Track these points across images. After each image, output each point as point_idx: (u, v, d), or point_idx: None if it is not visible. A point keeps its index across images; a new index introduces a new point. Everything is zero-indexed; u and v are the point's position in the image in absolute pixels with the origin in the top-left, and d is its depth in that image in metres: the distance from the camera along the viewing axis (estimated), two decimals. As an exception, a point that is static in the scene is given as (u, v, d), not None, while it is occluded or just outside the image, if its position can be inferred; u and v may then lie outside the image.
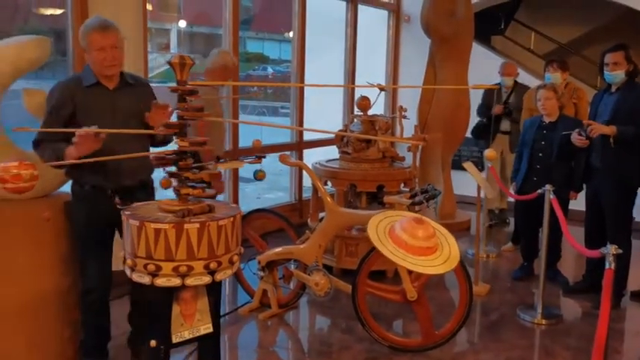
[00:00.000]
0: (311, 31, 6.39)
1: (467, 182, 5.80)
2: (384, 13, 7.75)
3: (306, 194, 6.15)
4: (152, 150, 2.85)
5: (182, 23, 24.40)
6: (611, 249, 2.44)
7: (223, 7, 5.38)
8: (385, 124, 4.75)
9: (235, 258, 2.25)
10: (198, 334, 2.27)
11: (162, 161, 2.24)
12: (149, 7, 4.52)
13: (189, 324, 2.24)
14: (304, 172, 4.17)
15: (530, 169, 4.52)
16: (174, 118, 2.33)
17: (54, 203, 2.98)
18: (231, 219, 2.17)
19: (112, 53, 2.68)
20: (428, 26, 6.17)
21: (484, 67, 6.24)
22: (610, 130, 3.87)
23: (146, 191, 2.83)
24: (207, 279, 2.13)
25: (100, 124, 2.62)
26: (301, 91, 6.28)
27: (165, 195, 2.47)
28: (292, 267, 3.89)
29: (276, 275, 3.94)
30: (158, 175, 2.57)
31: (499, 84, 5.90)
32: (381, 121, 4.73)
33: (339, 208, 3.71)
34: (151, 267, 2.07)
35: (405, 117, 5.04)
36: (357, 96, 4.97)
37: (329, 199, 3.67)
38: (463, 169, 4.77)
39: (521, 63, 7.74)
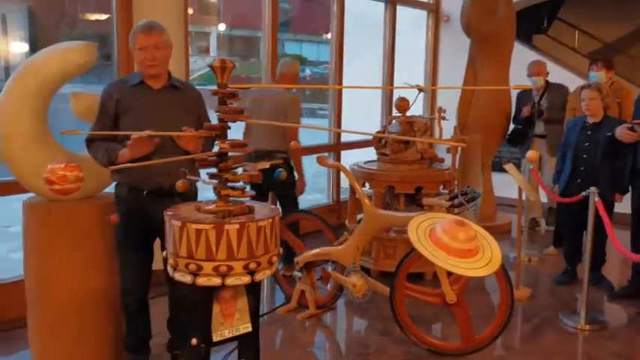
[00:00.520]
0: (349, 32, 6.40)
1: (508, 184, 5.70)
2: (423, 13, 7.70)
3: (344, 196, 6.16)
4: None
5: (221, 26, 24.74)
6: (658, 253, 2.37)
7: (262, 10, 5.44)
8: (424, 125, 4.72)
9: (274, 259, 2.26)
10: (237, 333, 2.30)
11: (205, 163, 2.28)
12: (190, 10, 4.61)
13: (229, 323, 2.27)
14: (342, 174, 4.17)
15: (574, 171, 4.42)
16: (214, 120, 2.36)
17: (99, 204, 3.07)
18: (270, 220, 2.19)
19: (153, 53, 2.73)
20: (468, 26, 6.10)
21: (526, 67, 6.11)
22: None
23: (184, 194, 2.85)
24: (246, 279, 2.16)
25: (140, 122, 2.69)
26: (339, 92, 6.29)
27: (209, 197, 2.51)
28: (330, 268, 3.89)
29: (314, 276, 3.96)
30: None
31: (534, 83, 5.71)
32: (420, 123, 4.70)
33: (376, 210, 3.70)
34: (193, 266, 2.11)
35: (444, 118, 5.00)
36: (395, 97, 4.95)
37: (366, 201, 3.66)
38: (504, 170, 4.70)
39: (565, 62, 7.57)
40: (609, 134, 4.14)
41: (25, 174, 2.97)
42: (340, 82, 6.28)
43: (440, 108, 5.13)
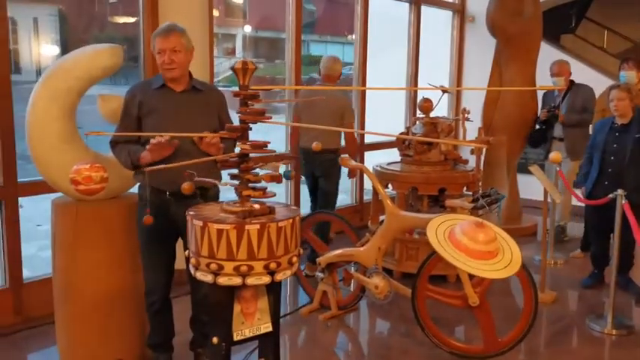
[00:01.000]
0: (374, 33, 6.39)
1: (534, 186, 5.63)
2: (448, 13, 7.65)
3: (367, 197, 6.15)
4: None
5: (247, 28, 24.90)
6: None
7: (286, 12, 5.47)
8: (448, 126, 4.69)
9: (294, 259, 2.28)
10: (258, 333, 2.32)
11: (227, 164, 2.31)
12: (216, 13, 4.66)
13: (250, 322, 2.29)
14: (365, 175, 4.18)
15: (602, 172, 4.35)
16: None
17: (125, 204, 3.13)
18: (291, 220, 2.21)
19: (171, 56, 2.74)
20: (494, 26, 6.04)
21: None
22: None
23: (206, 196, 2.86)
24: (266, 279, 2.17)
25: (162, 124, 2.73)
26: (363, 93, 6.29)
27: (230, 197, 2.53)
28: (352, 269, 3.90)
29: (336, 277, 3.97)
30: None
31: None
32: (444, 124, 4.67)
33: (399, 211, 3.69)
34: (214, 266, 2.14)
35: (467, 119, 4.96)
36: (419, 98, 4.94)
37: (389, 202, 3.66)
38: (529, 172, 4.64)
39: (593, 62, 7.44)
40: (638, 135, 4.06)
41: (53, 174, 3.04)
42: (364, 83, 6.28)
43: (464, 109, 5.09)
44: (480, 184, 5.01)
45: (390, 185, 4.73)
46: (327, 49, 27.19)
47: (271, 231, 2.14)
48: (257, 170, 2.26)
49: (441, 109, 6.21)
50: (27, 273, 3.90)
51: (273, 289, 2.33)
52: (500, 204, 3.67)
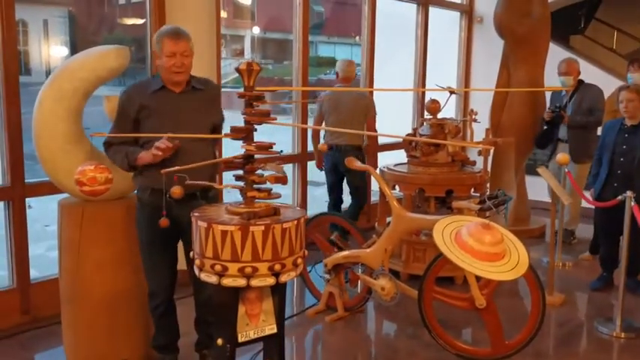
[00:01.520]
0: (381, 34, 6.38)
1: (542, 187, 5.60)
2: (456, 14, 7.62)
3: (374, 198, 6.13)
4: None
5: (256, 29, 24.95)
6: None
7: (294, 13, 5.47)
8: (455, 127, 4.67)
9: (299, 260, 2.27)
10: (263, 334, 2.32)
11: (231, 165, 2.31)
12: (224, 14, 4.67)
13: (255, 324, 2.29)
14: (372, 176, 4.18)
15: (611, 174, 4.31)
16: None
17: (131, 204, 3.13)
18: (295, 222, 2.20)
19: (182, 60, 2.74)
20: (501, 27, 6.01)
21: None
22: None
23: (207, 197, 2.83)
24: (271, 280, 2.17)
25: (163, 127, 2.69)
26: (370, 94, 6.26)
27: (234, 198, 2.53)
28: (359, 271, 3.89)
29: (343, 279, 3.96)
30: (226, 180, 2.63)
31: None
32: (451, 125, 4.65)
33: (406, 213, 3.67)
34: (218, 267, 2.14)
35: (475, 120, 4.93)
36: (427, 99, 4.92)
37: (396, 204, 3.64)
38: (537, 173, 4.61)
39: (603, 63, 7.39)
40: None
41: (59, 174, 3.06)
42: (371, 84, 6.26)
43: (471, 110, 5.06)
44: (488, 185, 4.98)
45: (396, 187, 4.72)
46: (335, 50, 27.20)
47: (276, 232, 2.14)
48: (261, 171, 2.25)
49: (449, 111, 6.18)
50: (35, 273, 3.92)
51: (278, 291, 2.33)
52: (508, 206, 3.65)
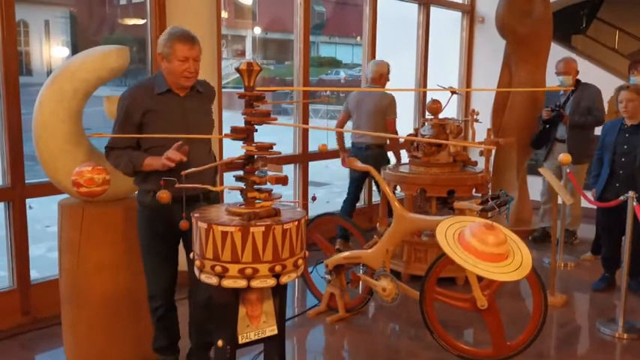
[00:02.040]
0: (382, 34, 6.37)
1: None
2: (457, 14, 7.61)
3: (376, 198, 6.12)
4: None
5: (257, 30, 24.96)
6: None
7: (295, 13, 5.46)
8: (456, 127, 4.65)
9: (300, 262, 2.26)
10: (263, 336, 2.31)
11: (232, 166, 2.30)
12: (224, 14, 4.67)
13: (255, 325, 2.28)
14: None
15: (612, 174, 4.29)
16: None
17: (131, 205, 3.12)
18: (296, 223, 2.19)
19: (194, 65, 2.70)
20: (503, 27, 6.00)
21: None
22: None
23: (209, 199, 2.81)
24: (271, 282, 2.16)
25: (170, 130, 2.65)
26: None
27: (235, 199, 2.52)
28: (360, 272, 3.88)
29: (344, 279, 3.95)
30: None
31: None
32: (452, 125, 4.63)
33: (407, 214, 3.66)
34: (218, 268, 2.13)
35: (477, 120, 4.92)
36: (428, 99, 4.91)
37: (397, 204, 3.63)
38: (539, 174, 4.59)
39: (605, 63, 7.37)
40: None
41: (59, 175, 3.05)
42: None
43: (473, 110, 5.04)
44: (490, 186, 4.97)
45: (398, 187, 4.70)
46: (336, 50, 27.19)
47: (276, 233, 2.13)
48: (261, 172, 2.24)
49: (450, 111, 6.18)
50: (36, 274, 3.92)
51: (279, 292, 2.32)
52: (509, 206, 3.63)
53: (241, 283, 2.13)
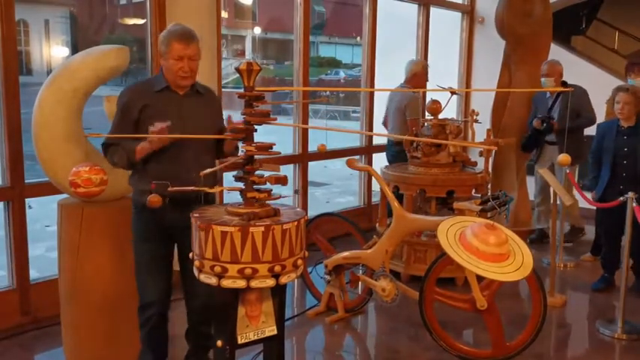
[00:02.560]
0: (382, 34, 6.36)
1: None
2: (457, 14, 7.61)
3: (376, 199, 6.12)
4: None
5: (257, 30, 24.97)
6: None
7: (294, 13, 5.46)
8: (456, 128, 4.65)
9: (299, 262, 2.26)
10: (262, 336, 2.31)
11: (231, 166, 2.29)
12: (224, 14, 4.67)
13: (255, 325, 2.28)
14: (373, 177, 4.18)
15: (614, 176, 4.27)
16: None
17: (129, 205, 3.11)
18: (296, 223, 2.19)
19: (190, 65, 2.66)
20: (503, 27, 5.99)
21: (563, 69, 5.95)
22: None
23: (207, 201, 2.72)
24: (271, 282, 2.16)
25: (169, 128, 2.59)
26: (371, 95, 6.26)
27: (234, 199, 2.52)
28: (359, 272, 3.87)
29: (343, 279, 3.94)
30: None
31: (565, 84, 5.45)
32: (452, 125, 4.63)
33: (406, 214, 3.66)
34: (218, 269, 2.13)
35: (476, 121, 4.92)
36: (428, 99, 4.91)
37: (396, 205, 3.63)
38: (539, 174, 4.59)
39: (604, 64, 7.37)
40: None
41: (59, 175, 3.04)
42: (372, 85, 6.25)
43: (472, 111, 5.04)
44: (489, 186, 4.96)
45: (398, 187, 4.70)
46: (336, 50, 27.19)
47: (276, 233, 2.13)
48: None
49: (450, 111, 6.17)
50: (35, 274, 3.91)
51: (278, 292, 2.32)
52: (509, 207, 3.63)
53: (240, 284, 2.13)
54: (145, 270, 2.82)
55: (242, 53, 24.40)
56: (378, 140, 6.38)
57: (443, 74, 7.23)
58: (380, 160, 5.92)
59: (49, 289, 3.65)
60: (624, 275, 3.82)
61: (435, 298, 3.39)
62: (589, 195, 4.50)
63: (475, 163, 4.83)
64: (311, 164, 5.75)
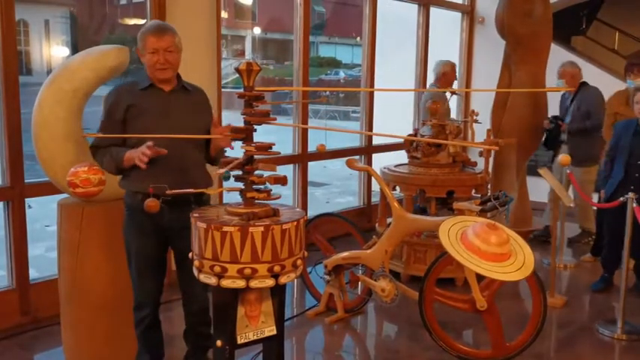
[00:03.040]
0: (382, 34, 6.36)
1: (543, 188, 5.58)
2: (457, 14, 7.61)
3: (375, 199, 6.12)
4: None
5: (257, 30, 24.97)
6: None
7: (294, 13, 5.46)
8: (456, 128, 4.65)
9: (299, 262, 2.26)
10: (262, 336, 2.30)
11: (231, 166, 2.29)
12: (224, 14, 4.66)
13: (254, 325, 2.28)
14: (372, 177, 4.18)
15: (627, 177, 4.19)
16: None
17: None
18: (295, 223, 2.19)
19: (165, 56, 2.63)
20: (503, 27, 5.99)
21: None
22: None
23: (201, 202, 2.70)
24: (270, 282, 2.16)
25: (154, 125, 2.60)
26: (371, 95, 6.26)
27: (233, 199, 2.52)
28: (359, 272, 3.87)
29: (343, 280, 3.94)
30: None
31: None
32: (452, 126, 4.63)
33: (406, 214, 3.66)
34: (217, 268, 2.12)
35: (476, 121, 4.92)
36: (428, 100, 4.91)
37: (396, 205, 3.63)
38: (539, 174, 4.58)
39: (604, 64, 7.37)
40: None
41: (58, 175, 3.04)
42: (372, 85, 6.25)
43: (472, 111, 5.04)
44: (489, 186, 4.96)
45: (397, 187, 4.70)
46: (336, 50, 27.18)
47: (275, 234, 2.12)
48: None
49: (451, 111, 6.16)
50: (35, 274, 3.91)
51: (278, 292, 2.31)
52: (509, 207, 3.63)
53: (240, 284, 2.13)
54: (137, 271, 2.80)
55: (242, 53, 24.40)
56: (377, 140, 6.38)
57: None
58: (380, 160, 5.92)
59: (48, 289, 3.65)
60: (624, 276, 3.81)
61: (434, 299, 3.39)
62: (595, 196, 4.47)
63: (475, 164, 4.83)
64: (311, 164, 5.75)
